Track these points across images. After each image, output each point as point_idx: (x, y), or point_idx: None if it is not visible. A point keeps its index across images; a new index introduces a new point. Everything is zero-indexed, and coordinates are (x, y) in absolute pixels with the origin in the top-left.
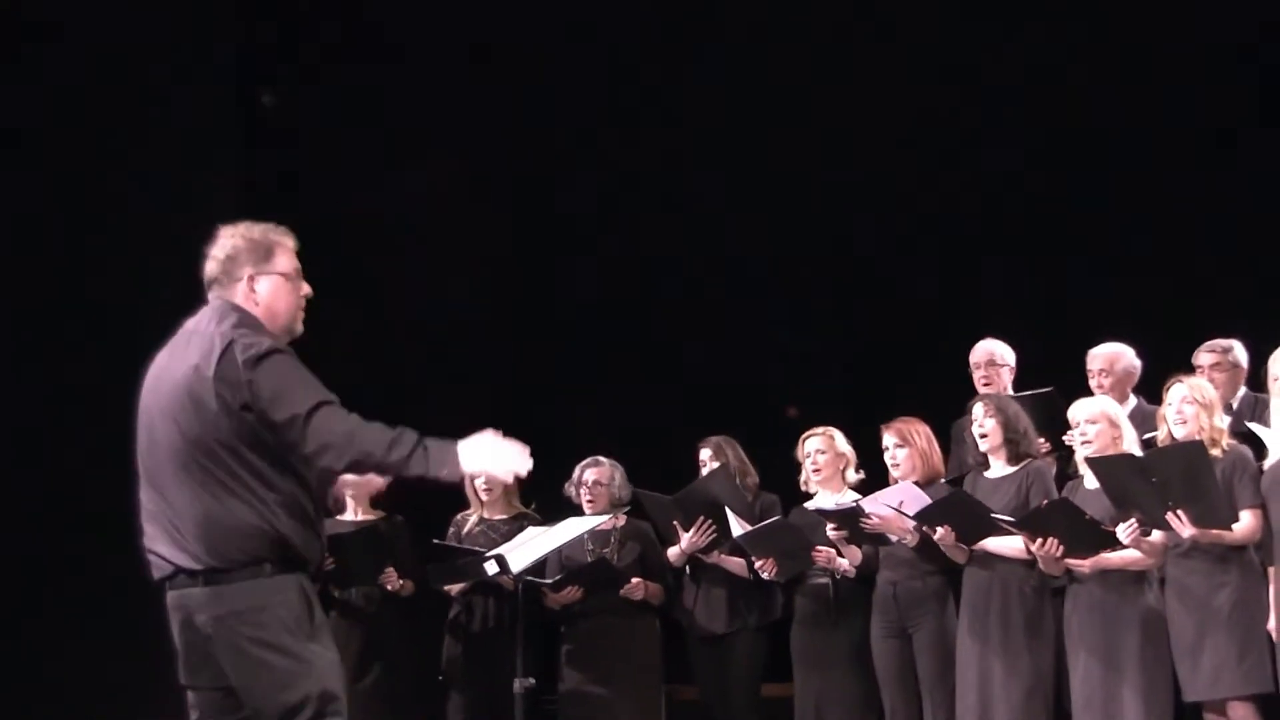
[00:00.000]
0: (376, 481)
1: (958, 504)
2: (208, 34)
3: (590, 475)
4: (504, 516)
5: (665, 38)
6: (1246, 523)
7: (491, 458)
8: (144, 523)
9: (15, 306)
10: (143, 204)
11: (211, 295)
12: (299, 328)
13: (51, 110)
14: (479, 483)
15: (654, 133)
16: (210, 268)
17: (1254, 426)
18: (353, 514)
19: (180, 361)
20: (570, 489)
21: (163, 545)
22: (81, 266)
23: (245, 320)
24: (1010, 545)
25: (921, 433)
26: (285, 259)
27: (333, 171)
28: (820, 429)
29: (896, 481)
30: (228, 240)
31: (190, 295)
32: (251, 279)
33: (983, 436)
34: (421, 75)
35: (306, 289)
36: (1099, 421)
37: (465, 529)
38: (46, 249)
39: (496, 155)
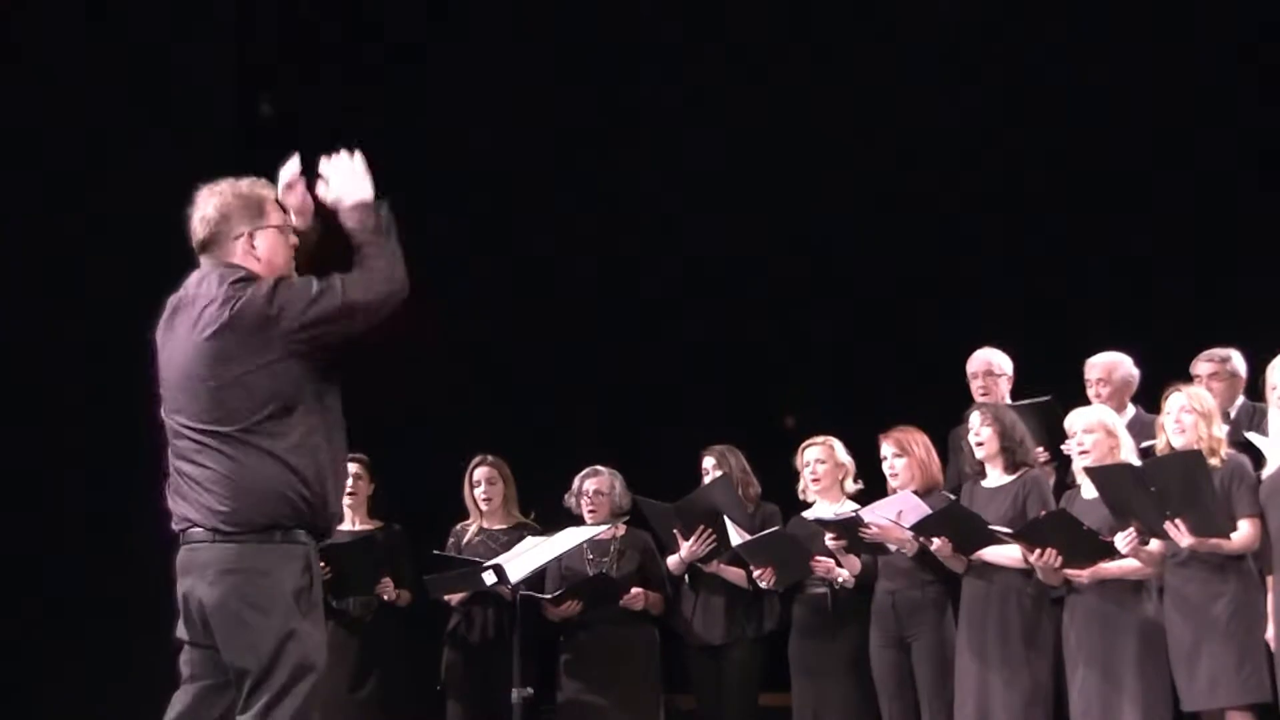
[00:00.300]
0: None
1: (954, 516)
2: (208, 34)
3: (590, 485)
4: (503, 526)
5: (666, 37)
6: (1245, 532)
7: (360, 179)
8: (169, 481)
9: (13, 306)
10: (140, 204)
11: (204, 258)
12: (295, 275)
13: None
14: (479, 491)
15: (654, 134)
16: (201, 229)
17: (1252, 436)
18: (350, 524)
19: (192, 325)
20: (570, 500)
21: (182, 503)
22: (80, 267)
23: (247, 276)
24: (1008, 555)
25: (920, 442)
26: (275, 212)
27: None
28: (820, 438)
29: (894, 491)
30: (215, 199)
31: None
32: (250, 236)
33: (979, 445)
34: (421, 75)
35: (295, 238)
36: (1096, 431)
37: (465, 539)
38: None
39: (496, 155)
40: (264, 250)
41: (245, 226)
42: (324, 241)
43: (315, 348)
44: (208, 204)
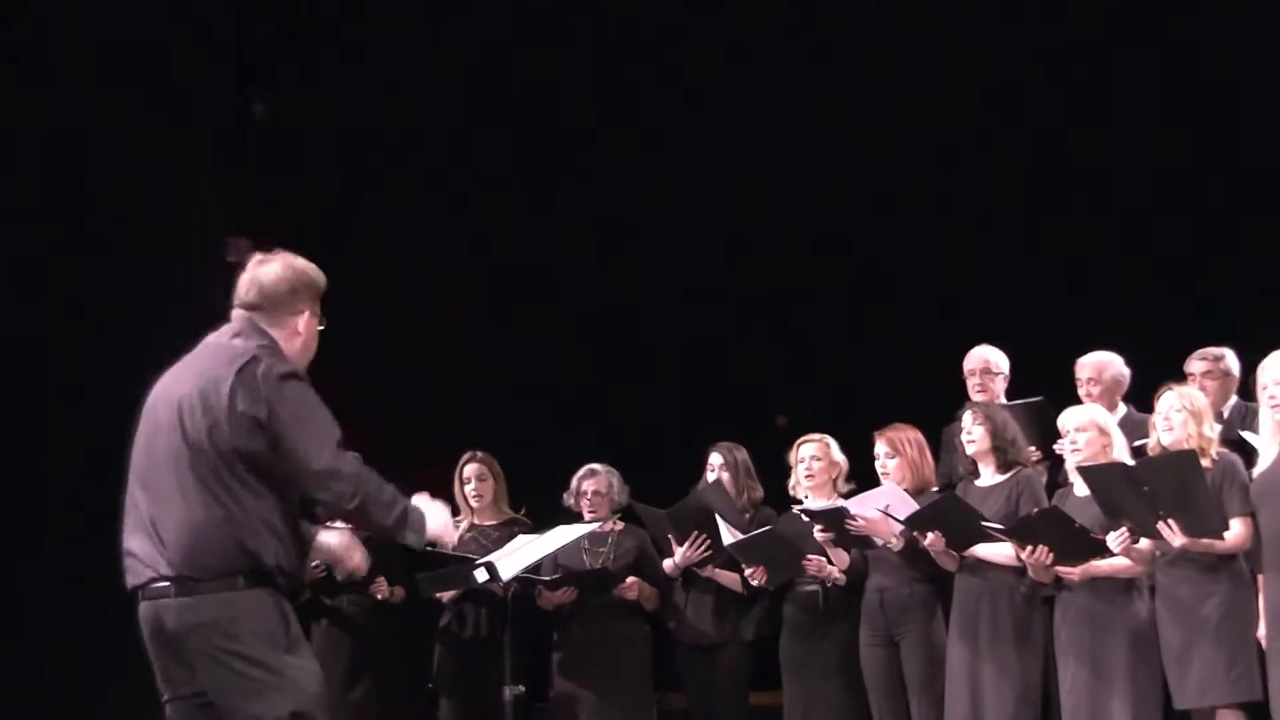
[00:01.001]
0: (355, 559)
1: (948, 508)
2: (206, 36)
3: (589, 486)
4: (494, 523)
5: (667, 38)
6: (1236, 531)
7: (441, 526)
8: (126, 526)
9: (11, 306)
10: (138, 204)
11: (245, 315)
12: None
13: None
14: (469, 488)
15: (654, 134)
16: (254, 294)
17: (1245, 434)
18: (343, 522)
19: (198, 368)
20: (569, 499)
21: (140, 548)
22: (79, 267)
23: (273, 345)
24: (1000, 552)
25: (913, 441)
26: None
27: (327, 171)
28: (817, 435)
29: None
30: (285, 271)
31: (186, 295)
32: (308, 314)
33: (970, 443)
34: (420, 75)
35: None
36: (1088, 430)
37: (456, 536)
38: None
39: (496, 155)
40: (306, 333)
41: (308, 305)
42: None
43: (266, 442)
44: (270, 271)
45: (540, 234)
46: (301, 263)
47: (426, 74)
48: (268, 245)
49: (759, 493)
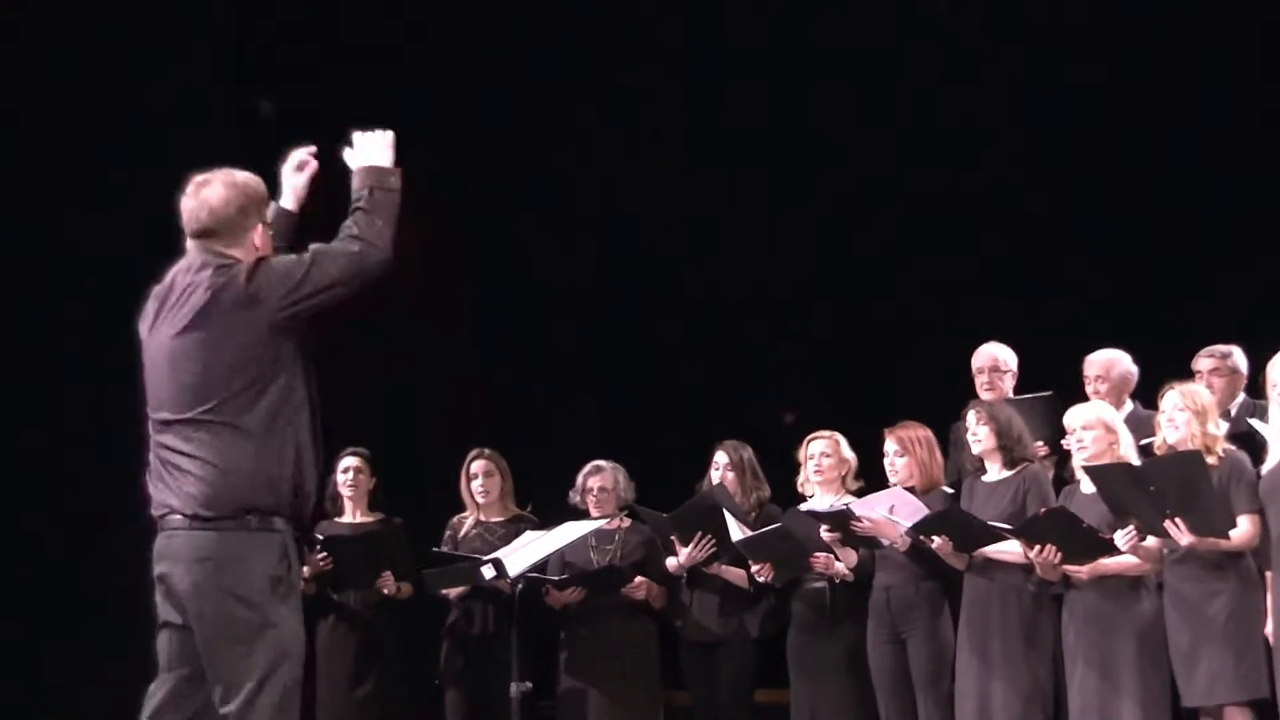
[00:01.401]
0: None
1: (953, 518)
2: (207, 32)
3: (595, 482)
4: (501, 519)
5: (665, 38)
6: (1243, 529)
7: (382, 147)
8: (149, 468)
9: (13, 306)
10: (137, 203)
11: (199, 244)
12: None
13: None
14: (476, 485)
15: (654, 133)
16: (207, 217)
17: (1255, 423)
18: (350, 516)
19: (176, 314)
20: (575, 496)
21: (161, 487)
22: (77, 266)
23: (230, 262)
24: (1009, 550)
25: (923, 440)
26: (269, 206)
27: (324, 168)
28: (826, 432)
29: (893, 484)
30: (225, 191)
31: None
32: (260, 229)
33: (975, 442)
34: (416, 75)
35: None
36: (1095, 428)
37: (462, 532)
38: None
39: (496, 155)
40: (263, 247)
41: (257, 220)
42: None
43: (297, 322)
44: (214, 191)
45: (541, 234)
46: (242, 176)
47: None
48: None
49: (766, 492)
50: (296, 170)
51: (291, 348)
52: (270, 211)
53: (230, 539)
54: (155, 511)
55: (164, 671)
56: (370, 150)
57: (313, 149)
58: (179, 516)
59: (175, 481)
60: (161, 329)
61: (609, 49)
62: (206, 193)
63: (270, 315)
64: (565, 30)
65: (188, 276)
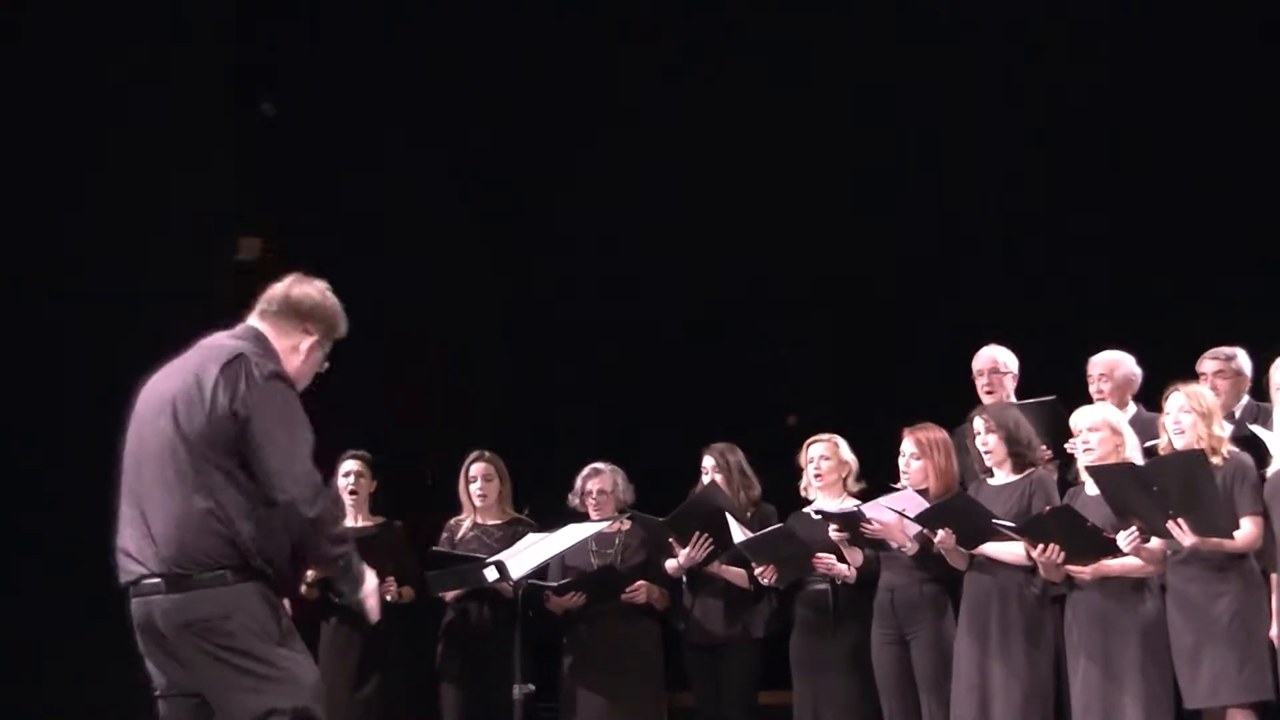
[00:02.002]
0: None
1: (958, 507)
2: (207, 32)
3: (594, 485)
4: (498, 522)
5: (666, 38)
6: (1247, 530)
7: (371, 592)
8: (119, 524)
9: (11, 305)
10: (138, 204)
11: (252, 321)
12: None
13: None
14: (474, 487)
15: (653, 138)
16: (275, 302)
17: (1256, 429)
18: (351, 520)
19: (189, 365)
20: (574, 499)
21: (132, 546)
22: (76, 266)
23: (268, 350)
24: (1010, 551)
25: (941, 444)
26: (330, 345)
27: (326, 169)
28: (825, 435)
29: (904, 485)
30: (314, 293)
31: (191, 295)
32: (314, 341)
33: (987, 453)
34: (417, 75)
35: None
36: (1101, 429)
37: (459, 534)
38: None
39: (496, 155)
40: (305, 359)
41: (319, 332)
42: None
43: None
44: (309, 290)
45: (542, 232)
46: (334, 298)
47: (427, 73)
48: (277, 245)
49: (756, 491)
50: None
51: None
52: (327, 346)
53: (209, 596)
54: (127, 577)
55: None
56: (363, 586)
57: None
58: (154, 579)
59: (146, 540)
60: (166, 380)
61: (608, 47)
62: (296, 286)
63: (234, 418)
64: (564, 28)
65: (217, 339)
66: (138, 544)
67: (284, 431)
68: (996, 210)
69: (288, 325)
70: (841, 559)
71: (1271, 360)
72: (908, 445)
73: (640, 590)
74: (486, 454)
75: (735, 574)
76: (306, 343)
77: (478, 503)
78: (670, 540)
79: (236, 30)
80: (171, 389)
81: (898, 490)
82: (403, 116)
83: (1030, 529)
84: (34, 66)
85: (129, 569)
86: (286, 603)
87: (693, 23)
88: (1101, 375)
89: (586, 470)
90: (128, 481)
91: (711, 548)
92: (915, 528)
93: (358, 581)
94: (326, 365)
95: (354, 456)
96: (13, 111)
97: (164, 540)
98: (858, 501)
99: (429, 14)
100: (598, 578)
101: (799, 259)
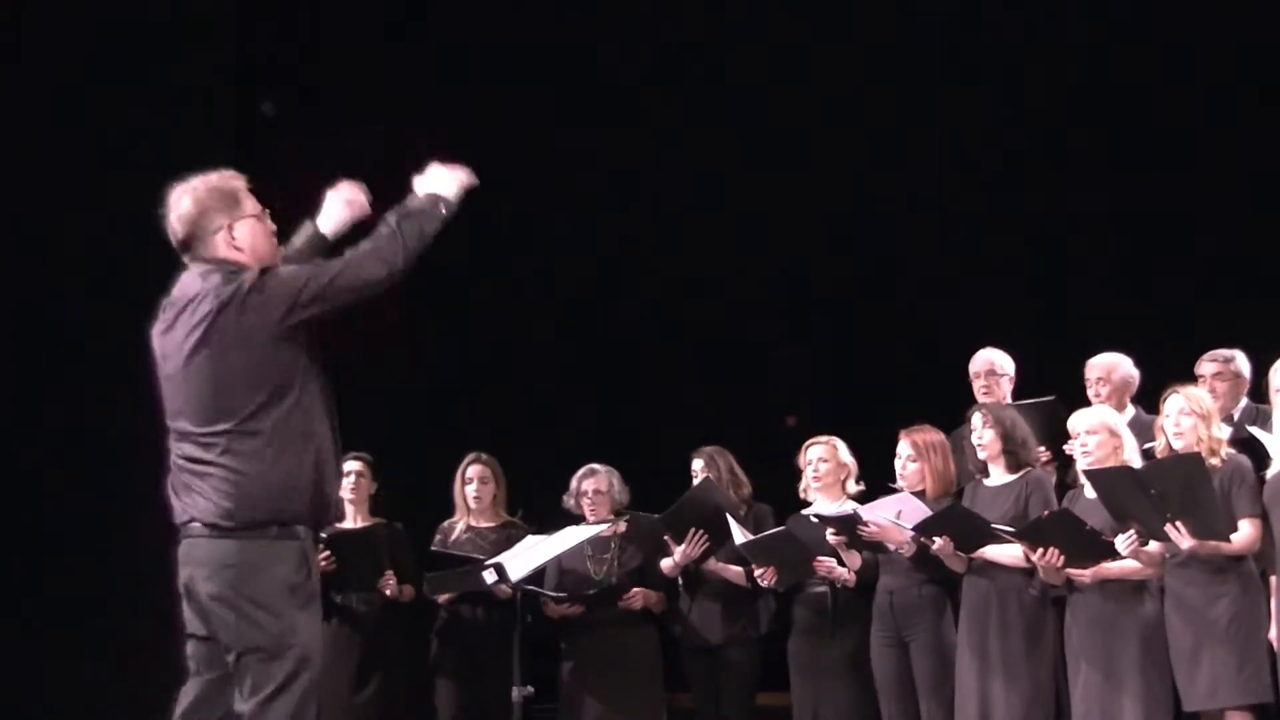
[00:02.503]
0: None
1: (956, 516)
2: (207, 32)
3: (589, 485)
4: (492, 525)
5: (671, 35)
6: (1245, 533)
7: (450, 181)
8: (170, 476)
9: (13, 307)
10: (137, 203)
11: (188, 257)
12: (279, 260)
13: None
14: (470, 489)
15: (656, 133)
16: (180, 228)
17: (1255, 430)
18: (351, 521)
19: (186, 326)
20: (569, 501)
21: (181, 494)
22: (77, 266)
23: (234, 269)
24: (1009, 554)
25: (938, 446)
26: (250, 201)
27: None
28: (824, 438)
29: (901, 487)
30: (189, 197)
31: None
32: (230, 228)
33: (980, 446)
34: (414, 75)
35: (272, 224)
36: (1099, 432)
37: (453, 537)
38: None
39: (496, 154)
40: (245, 240)
41: (223, 219)
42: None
43: (304, 331)
44: (181, 202)
45: (543, 233)
46: (197, 180)
47: (428, 73)
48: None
49: (746, 490)
50: (345, 203)
51: (304, 356)
52: (304, 232)
53: (251, 548)
54: (177, 519)
55: (194, 676)
56: (438, 180)
57: (366, 195)
58: (200, 525)
59: (197, 492)
60: (174, 336)
61: (608, 45)
62: (176, 203)
63: (275, 325)
64: (564, 29)
65: (190, 286)
66: (185, 493)
67: (303, 270)
68: (996, 211)
69: (203, 245)
70: (841, 562)
71: (1270, 363)
72: (904, 447)
73: (636, 598)
74: (483, 456)
75: (734, 572)
76: (222, 239)
77: (473, 505)
78: (666, 538)
79: (236, 31)
80: (194, 347)
81: (895, 492)
82: (400, 117)
83: (1029, 533)
84: (33, 67)
85: (178, 513)
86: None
87: (693, 23)
88: (1100, 378)
89: (582, 471)
90: (174, 436)
91: (707, 544)
92: (912, 530)
93: (432, 215)
94: (263, 209)
95: (354, 457)
96: (11, 112)
97: (212, 492)
98: (856, 504)
99: (428, 14)
100: (595, 595)
101: (797, 259)
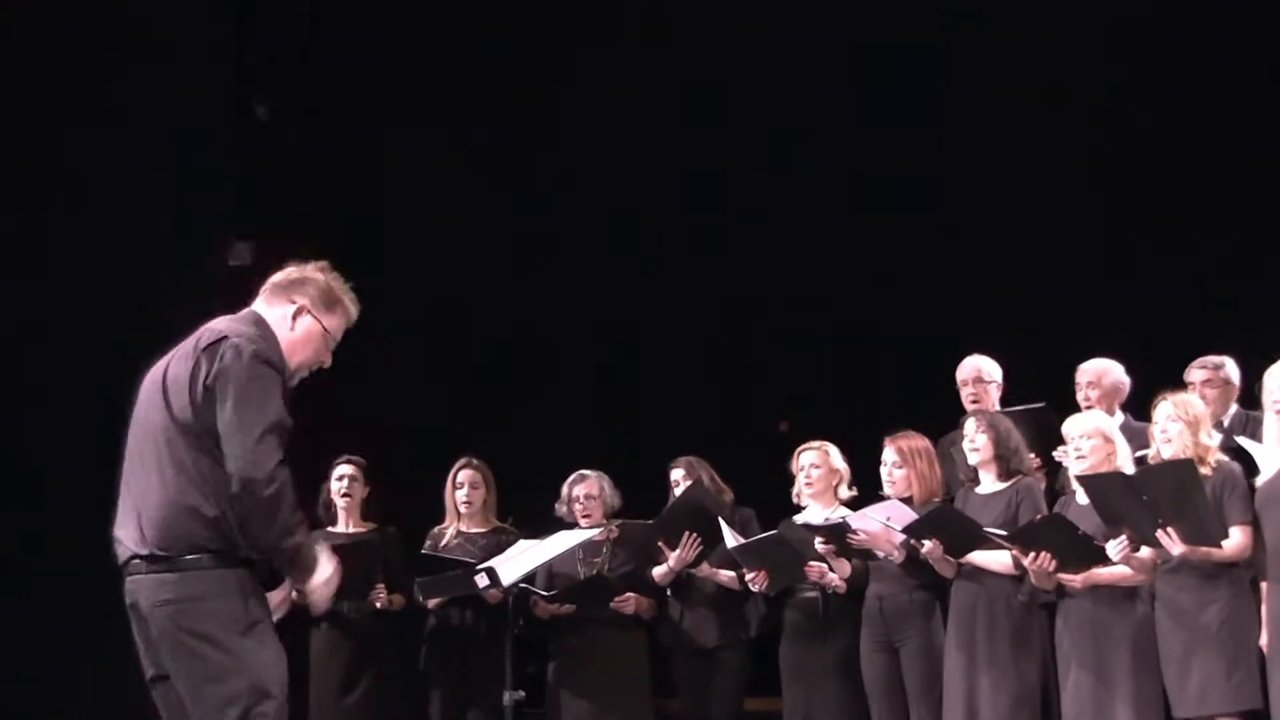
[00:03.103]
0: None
1: (945, 519)
2: (207, 32)
3: (580, 490)
4: (482, 530)
5: (670, 35)
6: (1236, 539)
7: (323, 584)
8: (118, 508)
9: (10, 307)
10: (137, 203)
11: (257, 300)
12: (294, 381)
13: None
14: (460, 494)
15: (655, 133)
16: (277, 276)
17: (1243, 441)
18: (344, 525)
19: (184, 348)
20: (561, 507)
21: (124, 527)
22: (77, 266)
23: (265, 334)
24: (998, 560)
25: (923, 452)
26: (338, 321)
27: (324, 167)
28: (816, 443)
29: (888, 495)
30: (311, 271)
31: (191, 294)
32: (302, 312)
33: (974, 451)
34: (416, 75)
35: (328, 359)
36: (1094, 437)
37: (443, 541)
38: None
39: (495, 153)
40: (300, 332)
41: (306, 304)
42: None
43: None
44: (303, 267)
45: (541, 231)
46: (327, 274)
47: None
48: (273, 248)
49: (728, 497)
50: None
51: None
52: (331, 322)
53: (187, 579)
54: (120, 558)
55: None
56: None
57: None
58: (139, 560)
59: (137, 521)
60: (165, 365)
61: (608, 45)
62: (300, 265)
63: (200, 381)
64: (563, 30)
65: (221, 322)
66: (129, 527)
67: (241, 405)
68: (992, 215)
69: (276, 299)
70: (832, 569)
71: (1261, 369)
72: (889, 454)
73: (629, 601)
74: (474, 461)
75: (726, 577)
76: (293, 311)
77: (463, 510)
78: (659, 544)
79: (236, 31)
80: (170, 373)
81: (884, 500)
82: (400, 116)
83: (1021, 537)
84: (32, 67)
85: (121, 550)
86: (280, 594)
87: (690, 21)
88: (1090, 383)
89: (573, 476)
90: (126, 467)
91: (700, 548)
92: (902, 535)
93: (305, 571)
94: (336, 339)
95: (348, 461)
96: (10, 111)
97: (150, 523)
98: (847, 511)
99: (427, 15)
100: (587, 586)
101: (796, 264)
